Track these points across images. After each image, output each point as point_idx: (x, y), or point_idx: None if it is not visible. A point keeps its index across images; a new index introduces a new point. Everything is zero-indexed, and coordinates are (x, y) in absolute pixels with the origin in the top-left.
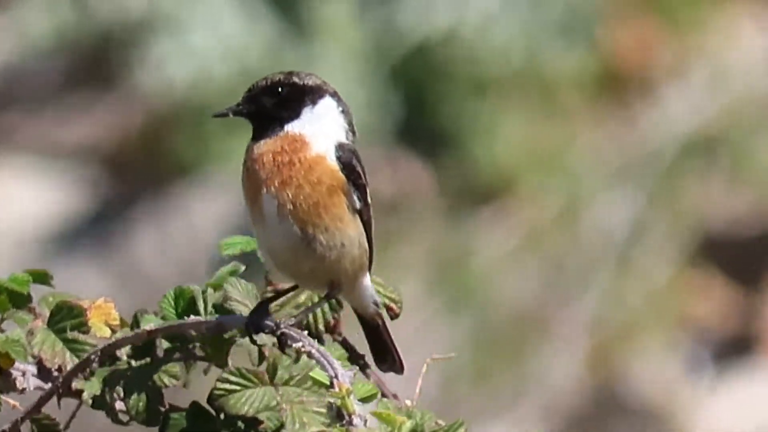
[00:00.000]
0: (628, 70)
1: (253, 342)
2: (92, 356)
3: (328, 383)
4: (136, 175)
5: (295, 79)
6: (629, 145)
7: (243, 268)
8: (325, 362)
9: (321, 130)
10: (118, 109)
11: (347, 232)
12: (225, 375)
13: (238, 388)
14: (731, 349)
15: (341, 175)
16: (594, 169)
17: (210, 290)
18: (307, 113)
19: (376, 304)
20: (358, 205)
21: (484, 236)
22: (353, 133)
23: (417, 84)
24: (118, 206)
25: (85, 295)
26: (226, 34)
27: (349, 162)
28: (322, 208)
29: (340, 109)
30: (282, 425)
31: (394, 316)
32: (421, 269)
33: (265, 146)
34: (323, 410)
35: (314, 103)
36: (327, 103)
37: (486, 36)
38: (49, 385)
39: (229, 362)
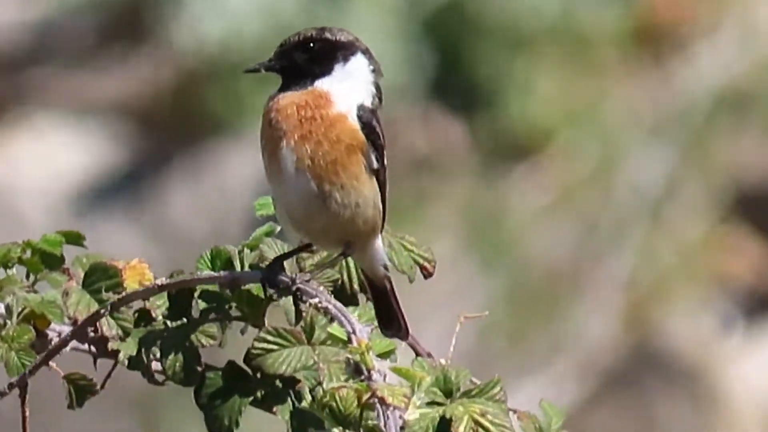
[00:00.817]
0: (662, 26)
1: (269, 297)
2: (102, 310)
3: (345, 339)
4: (169, 131)
5: (328, 35)
6: (663, 102)
7: (278, 228)
8: (343, 318)
9: (350, 87)
10: (152, 66)
11: (363, 191)
12: (262, 334)
13: (275, 347)
14: (764, 305)
15: (361, 135)
16: (627, 125)
17: (246, 250)
18: (338, 70)
19: (385, 267)
20: (375, 165)
21: (518, 193)
22: (379, 93)
23: (451, 40)
24: (151, 163)
25: (118, 253)
26: None
27: (369, 122)
28: (339, 166)
29: (371, 67)
30: (319, 384)
31: (427, 275)
32: (455, 227)
33: (289, 98)
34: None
35: (346, 59)
36: (358, 61)
37: None
38: (85, 346)
39: (266, 322)
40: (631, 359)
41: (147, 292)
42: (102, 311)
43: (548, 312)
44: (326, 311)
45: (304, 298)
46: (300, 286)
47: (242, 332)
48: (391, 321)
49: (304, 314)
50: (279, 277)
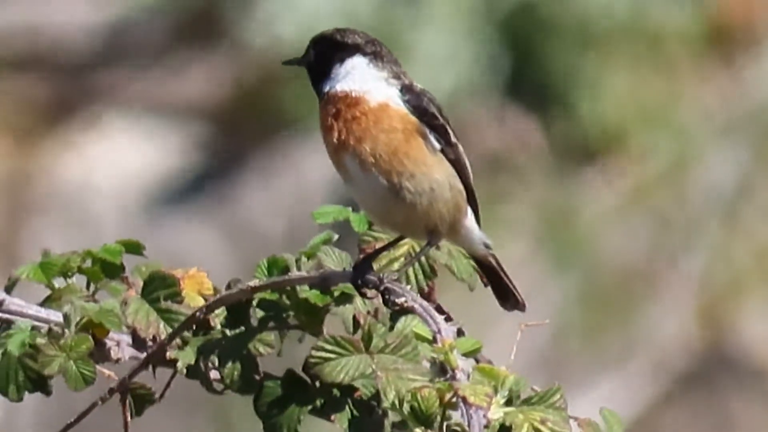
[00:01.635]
0: (734, 26)
1: (363, 295)
2: (198, 314)
3: (431, 338)
4: (244, 131)
5: (337, 36)
6: (735, 101)
7: (336, 236)
8: (428, 317)
9: (359, 85)
10: (226, 66)
11: (434, 175)
12: (320, 343)
13: (333, 356)
14: None
15: (413, 118)
16: (700, 125)
17: (304, 258)
18: (335, 70)
19: (486, 246)
20: (438, 145)
21: (592, 193)
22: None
23: (524, 39)
24: (225, 163)
25: (193, 253)
26: None
27: (419, 104)
28: (402, 155)
29: (372, 65)
30: (377, 393)
31: (487, 283)
32: (529, 226)
33: (324, 111)
34: (419, 377)
35: (342, 61)
36: (354, 61)
37: None
38: (144, 354)
39: (324, 330)
40: (705, 359)
41: (241, 293)
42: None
43: (622, 312)
44: (413, 310)
45: (391, 297)
46: (388, 285)
47: (300, 341)
48: (506, 295)
49: (362, 322)
50: (368, 276)
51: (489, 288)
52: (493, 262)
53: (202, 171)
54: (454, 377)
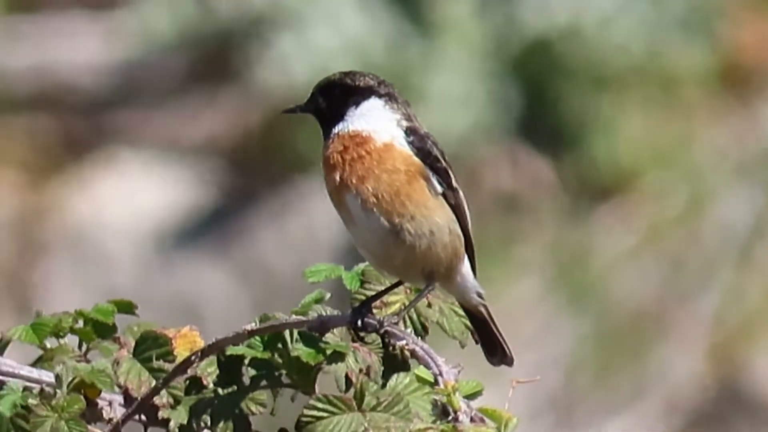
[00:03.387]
0: (748, 66)
1: (361, 339)
2: (194, 357)
3: (432, 381)
4: (256, 171)
5: (347, 80)
6: (749, 142)
7: (328, 295)
8: (430, 360)
9: (372, 125)
10: (239, 105)
11: (434, 218)
12: (312, 402)
13: (325, 414)
14: None
15: (416, 160)
16: (715, 165)
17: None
18: (350, 113)
19: (479, 295)
20: (439, 189)
21: (605, 233)
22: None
23: (537, 80)
24: (238, 202)
25: (204, 292)
26: (348, 31)
27: (422, 146)
28: (404, 197)
29: (387, 106)
30: None
31: (478, 340)
32: (541, 266)
33: (329, 149)
34: None
35: (358, 104)
36: (371, 103)
37: (606, 31)
38: (137, 417)
39: (316, 389)
40: (718, 399)
41: (237, 338)
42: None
43: (634, 351)
44: (413, 353)
45: (392, 341)
46: (388, 328)
47: (292, 399)
48: (495, 348)
49: (354, 381)
50: (367, 319)
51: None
52: (485, 312)
53: (215, 210)
54: (456, 419)
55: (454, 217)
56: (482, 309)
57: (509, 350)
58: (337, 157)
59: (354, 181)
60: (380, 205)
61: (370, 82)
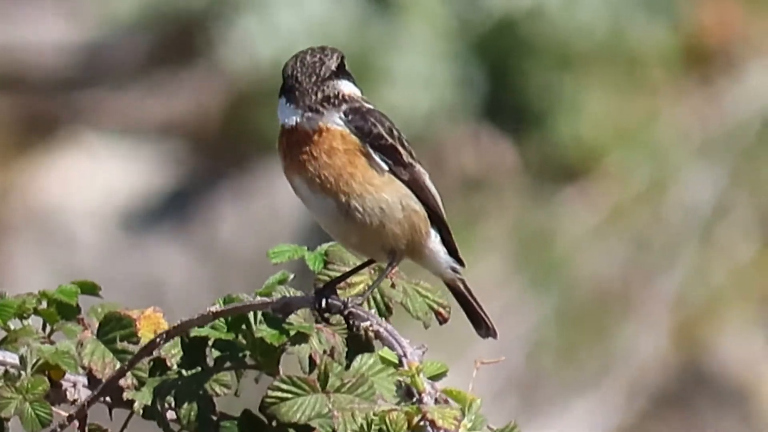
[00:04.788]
0: (712, 46)
1: (326, 320)
2: (158, 339)
3: (396, 362)
4: (218, 152)
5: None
6: (712, 121)
7: (292, 276)
8: (394, 341)
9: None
10: (202, 87)
11: (382, 195)
12: (276, 383)
13: (289, 395)
14: None
15: (354, 138)
16: (677, 145)
17: (259, 298)
18: (281, 100)
19: (453, 270)
20: (384, 166)
21: (568, 213)
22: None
23: (501, 60)
24: (201, 183)
25: (167, 273)
26: (311, 12)
27: (362, 125)
28: (347, 175)
29: (289, 92)
30: None
31: (443, 321)
32: (505, 246)
33: (280, 137)
34: (377, 418)
35: (281, 90)
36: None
37: (569, 11)
38: (102, 398)
39: (280, 370)
40: (681, 379)
41: (202, 320)
42: (159, 340)
43: (598, 331)
44: (377, 334)
45: (356, 322)
46: (352, 309)
47: (256, 380)
48: (479, 321)
49: (317, 362)
50: (331, 300)
51: (458, 316)
52: (461, 286)
53: (178, 191)
54: (421, 400)
55: (408, 193)
56: (459, 283)
57: (491, 323)
58: (284, 144)
59: (297, 164)
60: (324, 186)
61: (288, 71)
